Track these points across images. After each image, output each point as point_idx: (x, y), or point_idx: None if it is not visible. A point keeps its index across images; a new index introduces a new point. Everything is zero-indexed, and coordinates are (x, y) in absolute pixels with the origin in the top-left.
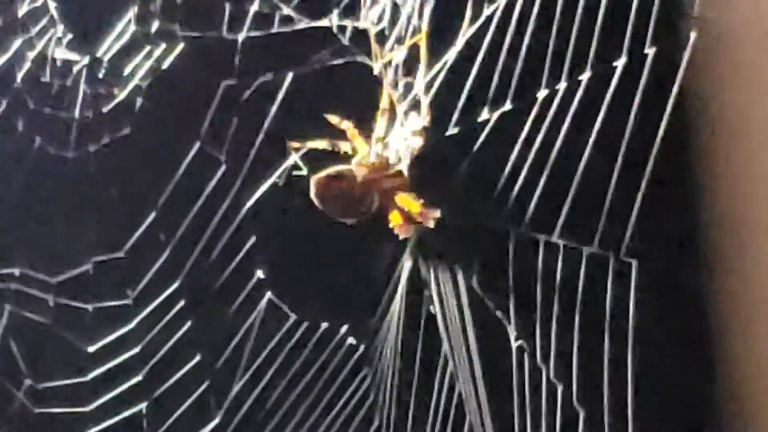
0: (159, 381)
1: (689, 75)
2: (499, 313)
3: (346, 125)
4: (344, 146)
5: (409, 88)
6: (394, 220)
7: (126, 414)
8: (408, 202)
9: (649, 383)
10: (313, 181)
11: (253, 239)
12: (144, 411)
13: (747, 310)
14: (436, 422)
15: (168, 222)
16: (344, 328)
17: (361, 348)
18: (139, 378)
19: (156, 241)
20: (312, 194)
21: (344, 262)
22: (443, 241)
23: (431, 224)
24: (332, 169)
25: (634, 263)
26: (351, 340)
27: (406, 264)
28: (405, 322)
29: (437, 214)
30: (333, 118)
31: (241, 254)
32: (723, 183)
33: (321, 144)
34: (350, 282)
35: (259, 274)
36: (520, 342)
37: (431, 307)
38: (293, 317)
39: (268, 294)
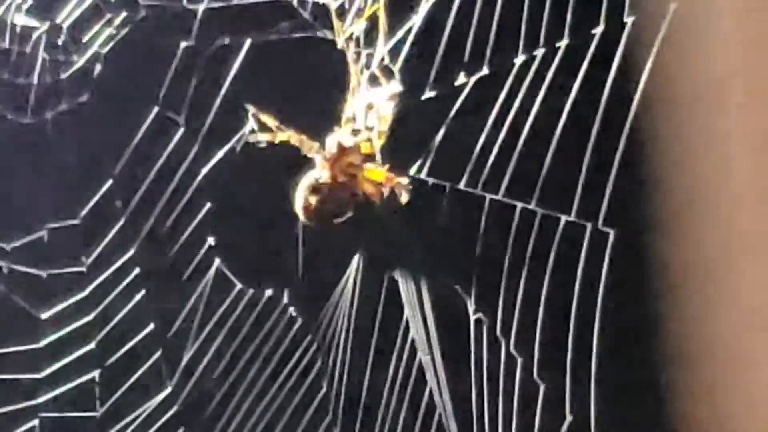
0: (112, 349)
1: (667, 45)
2: (457, 287)
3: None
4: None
5: (371, 58)
6: (368, 190)
7: (78, 381)
8: (373, 172)
9: (613, 360)
10: (299, 210)
11: (208, 206)
12: (96, 379)
13: (720, 286)
14: (393, 389)
15: (124, 189)
16: (286, 296)
17: (306, 316)
18: (91, 346)
19: (112, 208)
20: (305, 221)
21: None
22: (412, 207)
23: (404, 196)
24: (302, 191)
25: (612, 233)
26: (294, 307)
27: (365, 232)
28: (361, 288)
29: (404, 181)
30: (269, 120)
31: (195, 221)
32: (698, 155)
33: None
34: (303, 251)
35: (210, 241)
36: (478, 315)
37: (393, 274)
38: (239, 285)
39: (217, 262)
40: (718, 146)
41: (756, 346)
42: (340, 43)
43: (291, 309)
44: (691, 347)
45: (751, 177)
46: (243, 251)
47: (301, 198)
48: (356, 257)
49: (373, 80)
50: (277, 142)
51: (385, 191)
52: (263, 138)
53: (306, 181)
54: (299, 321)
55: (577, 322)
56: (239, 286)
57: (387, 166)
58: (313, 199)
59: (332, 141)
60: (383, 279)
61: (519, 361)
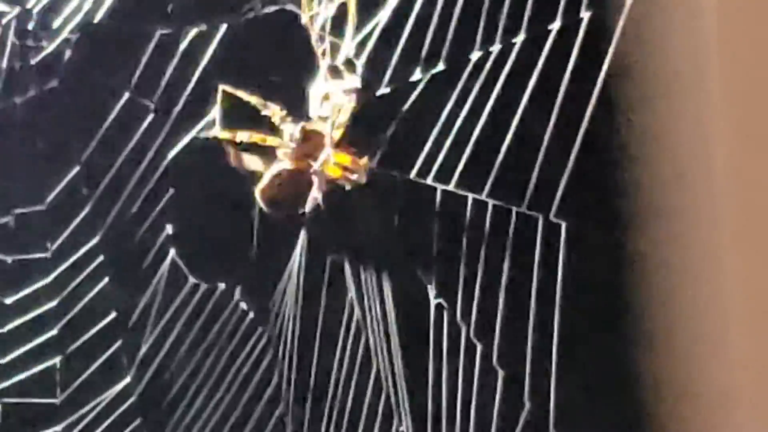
0: (74, 336)
1: (625, 40)
2: (419, 272)
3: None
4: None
5: (336, 47)
6: (334, 173)
7: (39, 368)
8: (339, 156)
9: (573, 347)
10: (258, 194)
11: (170, 193)
12: (57, 365)
13: (674, 274)
14: (340, 376)
15: (91, 175)
16: (238, 290)
17: (257, 308)
18: (54, 332)
19: (78, 194)
20: (264, 205)
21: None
22: (365, 198)
23: (363, 177)
24: (266, 177)
25: (564, 224)
26: (245, 300)
27: (310, 220)
28: (306, 277)
29: (365, 160)
30: (252, 98)
31: (158, 209)
32: (654, 148)
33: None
34: (252, 240)
35: (168, 230)
36: (439, 300)
37: (336, 256)
38: (191, 278)
39: (172, 252)
40: (687, 139)
41: (724, 337)
42: (304, 19)
43: (242, 303)
44: (653, 336)
45: (724, 167)
46: (199, 241)
47: (263, 182)
48: (299, 244)
49: (335, 72)
50: (238, 140)
51: (352, 175)
52: (223, 136)
53: (273, 167)
54: (251, 314)
55: (537, 311)
56: (192, 278)
57: (353, 150)
58: (273, 184)
59: (297, 128)
60: (328, 266)
61: (479, 347)
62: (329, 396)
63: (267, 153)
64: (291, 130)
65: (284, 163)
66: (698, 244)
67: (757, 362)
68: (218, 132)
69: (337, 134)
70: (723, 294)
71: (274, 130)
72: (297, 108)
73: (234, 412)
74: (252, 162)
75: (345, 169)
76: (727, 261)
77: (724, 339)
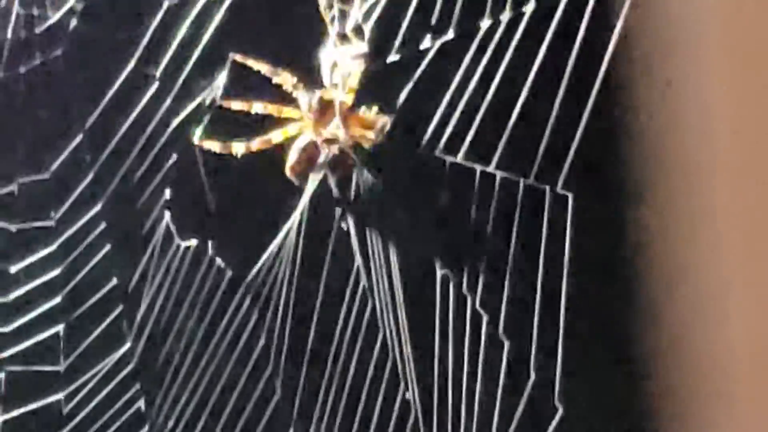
0: (76, 304)
1: (636, 10)
2: (425, 242)
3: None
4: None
5: (345, 14)
6: (357, 133)
7: (43, 336)
8: (362, 119)
9: (579, 318)
10: (289, 172)
11: (172, 160)
12: (61, 333)
13: (679, 246)
14: (344, 335)
15: (95, 143)
16: (223, 252)
17: (244, 271)
18: (57, 300)
19: (82, 162)
20: (296, 181)
21: (250, 185)
22: (371, 167)
23: (380, 136)
24: (293, 153)
25: (570, 196)
26: (233, 263)
27: (311, 183)
28: (307, 238)
29: (385, 119)
30: (262, 66)
31: (159, 177)
32: (659, 122)
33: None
34: (250, 204)
35: (166, 194)
36: (445, 271)
37: (343, 224)
38: (182, 242)
39: (167, 215)
40: (693, 111)
41: (726, 306)
42: None
43: (230, 266)
44: (658, 310)
45: (726, 143)
46: (194, 206)
47: (291, 160)
48: (300, 207)
49: (344, 39)
50: (253, 112)
51: (373, 135)
52: (236, 106)
53: (297, 142)
54: (235, 275)
55: (543, 282)
56: (183, 242)
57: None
58: (302, 159)
59: (315, 97)
60: (333, 231)
61: (485, 318)
62: (332, 361)
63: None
64: (305, 98)
65: (306, 135)
66: (702, 215)
67: (757, 329)
68: (232, 103)
69: (349, 99)
70: (725, 264)
71: (285, 99)
72: (306, 77)
73: (222, 375)
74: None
75: (367, 128)
76: (729, 231)
77: (726, 308)
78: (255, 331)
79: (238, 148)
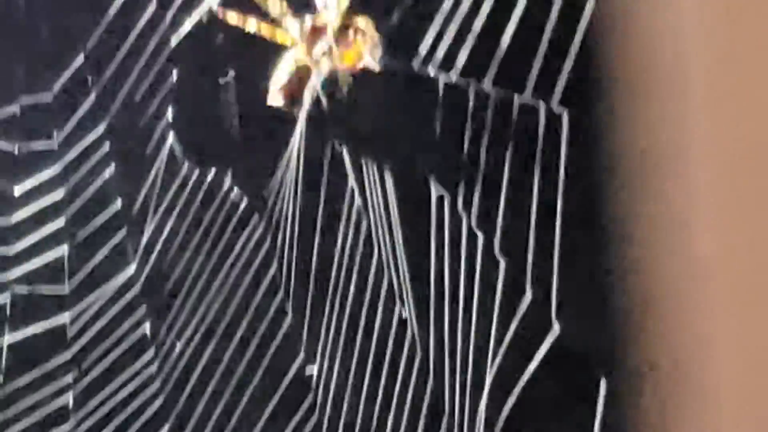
0: (81, 225)
1: None
2: (420, 162)
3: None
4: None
5: None
6: (349, 60)
7: (48, 257)
8: (354, 41)
9: (574, 235)
10: (278, 93)
11: (174, 78)
12: (66, 255)
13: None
14: (343, 256)
15: (96, 63)
16: (231, 176)
17: (251, 195)
18: (61, 222)
19: (84, 83)
20: (284, 105)
21: (246, 110)
22: (367, 87)
23: (374, 64)
24: (283, 75)
25: (565, 113)
26: (240, 186)
27: (306, 105)
28: (305, 161)
29: (377, 39)
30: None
31: (161, 96)
32: (655, 38)
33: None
34: (251, 126)
35: (168, 115)
36: (440, 191)
37: (336, 146)
38: (187, 164)
39: (171, 137)
40: (678, 32)
41: (705, 223)
42: None
43: (236, 189)
44: (652, 224)
45: (709, 60)
46: (196, 127)
47: (280, 81)
48: (298, 131)
49: None
50: (246, 30)
51: (366, 56)
52: (232, 20)
53: (285, 63)
54: (245, 200)
55: (539, 200)
56: (187, 164)
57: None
58: (293, 81)
59: (306, 24)
60: (328, 154)
61: (480, 237)
62: (331, 283)
63: None
64: (296, 25)
65: (298, 58)
66: (692, 128)
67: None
68: (228, 15)
69: (340, 20)
70: (714, 171)
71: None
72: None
73: (233, 300)
74: None
75: (359, 53)
76: (726, 142)
77: (718, 213)
78: (267, 256)
79: (251, 25)
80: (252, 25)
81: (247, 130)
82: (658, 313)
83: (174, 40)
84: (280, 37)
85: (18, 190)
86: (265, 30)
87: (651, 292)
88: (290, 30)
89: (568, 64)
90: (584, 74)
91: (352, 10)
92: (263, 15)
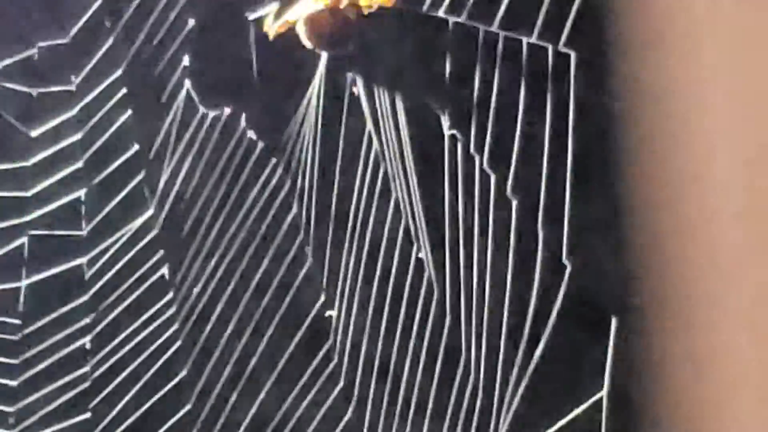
0: (98, 168)
1: None
2: (433, 103)
3: None
4: None
5: None
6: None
7: (65, 200)
8: None
9: (586, 173)
10: (308, 31)
11: (190, 24)
12: (83, 198)
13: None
14: (360, 199)
15: (113, 7)
16: (244, 116)
17: (269, 138)
18: (79, 165)
19: (101, 27)
20: (312, 43)
21: (265, 54)
22: (379, 29)
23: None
24: (309, 15)
25: (573, 54)
26: (256, 129)
27: (324, 55)
28: (324, 104)
29: None
30: None
31: (178, 41)
32: None
33: None
34: (274, 72)
35: (185, 61)
36: (453, 131)
37: (354, 89)
38: (202, 108)
39: (187, 83)
40: None
41: (720, 166)
42: None
43: (251, 131)
44: (661, 159)
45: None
46: (214, 73)
47: (308, 22)
48: (317, 75)
49: None
50: None
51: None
52: None
53: (305, 20)
54: (262, 143)
55: (550, 140)
56: (203, 107)
57: None
58: (314, 27)
59: None
60: (346, 97)
61: (492, 177)
62: (349, 225)
63: None
64: None
65: (315, 4)
66: (701, 73)
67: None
68: None
69: None
70: (727, 114)
71: None
72: None
73: (254, 240)
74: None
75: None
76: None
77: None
78: (286, 199)
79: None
80: None
81: (265, 72)
82: (667, 253)
83: None
84: None
85: (35, 133)
86: None
87: (661, 231)
88: None
89: (575, 6)
90: (591, 16)
91: None
92: None
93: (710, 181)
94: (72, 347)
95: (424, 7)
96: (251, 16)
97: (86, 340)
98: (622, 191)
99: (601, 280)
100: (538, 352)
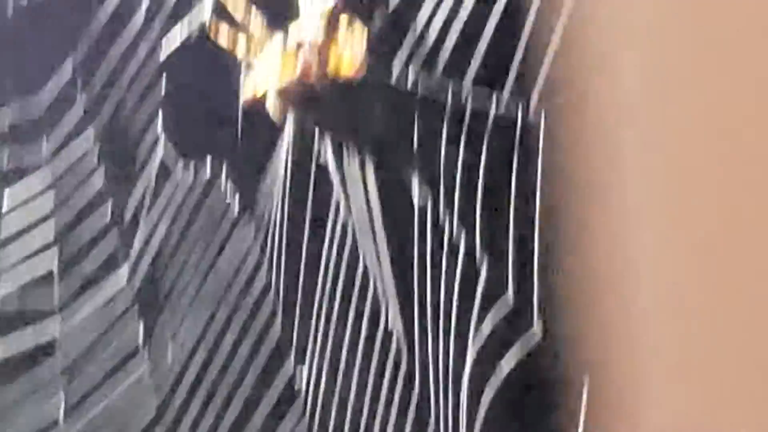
0: (71, 232)
1: None
2: (402, 172)
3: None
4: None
5: None
6: (335, 66)
7: (37, 265)
8: (337, 53)
9: (553, 244)
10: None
11: (164, 88)
12: (56, 262)
13: None
14: (328, 269)
15: (85, 73)
16: (222, 177)
17: (243, 199)
18: (51, 230)
19: (72, 91)
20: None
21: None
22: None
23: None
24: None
25: (542, 121)
26: (230, 191)
27: (291, 117)
28: (292, 172)
29: (361, 53)
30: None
31: (151, 104)
32: None
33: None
34: (243, 134)
35: (159, 124)
36: (422, 201)
37: (321, 158)
38: (179, 170)
39: (161, 146)
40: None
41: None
42: None
43: (228, 190)
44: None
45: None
46: (188, 134)
47: (278, 102)
48: (285, 143)
49: None
50: (235, 52)
51: (351, 66)
52: (222, 42)
53: (274, 86)
54: (236, 204)
55: (516, 207)
56: (179, 167)
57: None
58: (281, 96)
59: (289, 41)
60: (313, 165)
61: (462, 247)
62: (318, 288)
63: None
64: (279, 44)
65: (282, 74)
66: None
67: None
68: (219, 37)
69: (324, 32)
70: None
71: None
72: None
73: (226, 302)
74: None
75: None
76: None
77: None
78: (259, 258)
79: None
80: (241, 49)
81: (243, 133)
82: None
83: (164, 48)
84: (265, 59)
85: (7, 198)
86: (252, 55)
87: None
88: (274, 49)
89: (546, 67)
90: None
91: (337, 12)
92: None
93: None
94: (44, 416)
95: (393, 78)
96: (233, 82)
97: (59, 409)
98: (589, 254)
99: (572, 342)
100: (505, 415)
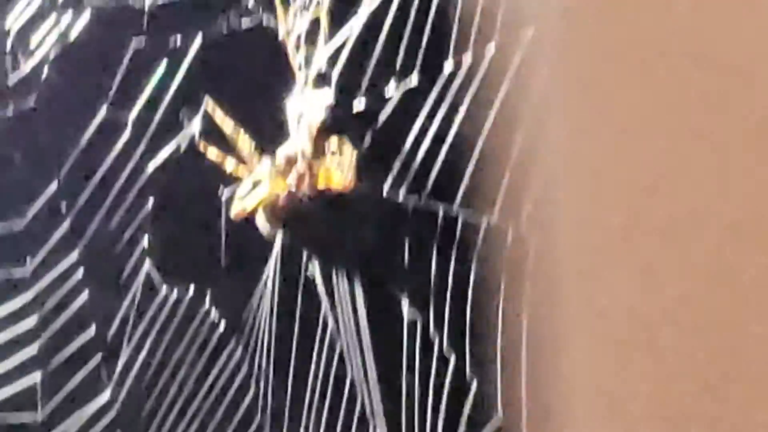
0: (54, 353)
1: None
2: (391, 288)
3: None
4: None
5: (310, 59)
6: (323, 184)
7: (20, 385)
8: (326, 169)
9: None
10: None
11: (149, 206)
12: (38, 383)
13: None
14: (316, 385)
15: (70, 191)
16: (210, 301)
17: (230, 319)
18: (34, 351)
19: (57, 210)
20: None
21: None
22: (337, 210)
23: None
24: (265, 217)
25: (533, 238)
26: (218, 311)
27: (280, 235)
28: (280, 286)
29: (350, 171)
30: (225, 124)
31: (136, 222)
32: None
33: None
34: (230, 253)
35: (144, 243)
36: (412, 315)
37: (308, 272)
38: (164, 289)
39: (147, 264)
40: None
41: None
42: (281, 34)
43: (214, 314)
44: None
45: None
46: (174, 253)
47: (267, 222)
48: (273, 256)
49: (309, 85)
50: (225, 167)
51: (339, 182)
52: (212, 156)
53: (263, 205)
54: (223, 324)
55: (503, 323)
56: (165, 290)
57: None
58: (268, 210)
59: (279, 158)
60: (301, 277)
61: (452, 361)
62: (305, 405)
63: None
64: (267, 163)
65: (272, 189)
66: None
67: None
68: (209, 151)
69: (312, 147)
70: None
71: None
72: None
73: (211, 424)
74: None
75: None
76: None
77: None
78: (245, 378)
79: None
80: (230, 165)
81: (227, 252)
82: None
83: (150, 168)
84: (254, 174)
85: None
86: (242, 171)
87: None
88: (263, 169)
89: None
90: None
91: (325, 132)
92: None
93: None
94: None
95: (384, 192)
96: (221, 196)
97: None
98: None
99: None
100: None
